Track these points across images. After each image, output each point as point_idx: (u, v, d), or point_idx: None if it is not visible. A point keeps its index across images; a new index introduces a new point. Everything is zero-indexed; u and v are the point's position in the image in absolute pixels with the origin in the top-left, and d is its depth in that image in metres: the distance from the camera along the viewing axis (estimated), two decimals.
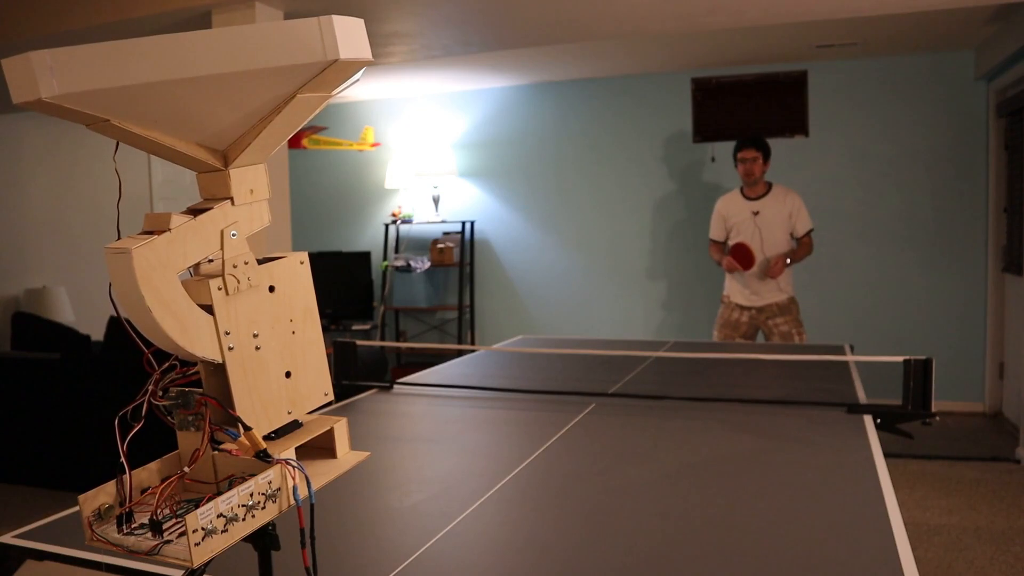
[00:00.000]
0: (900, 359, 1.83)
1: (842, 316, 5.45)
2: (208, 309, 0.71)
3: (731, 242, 4.26)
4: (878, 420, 1.82)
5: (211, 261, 0.73)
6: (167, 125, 0.67)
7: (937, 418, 1.80)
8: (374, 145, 6.28)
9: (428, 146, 6.32)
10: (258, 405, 0.76)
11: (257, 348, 0.76)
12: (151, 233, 0.67)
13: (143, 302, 0.65)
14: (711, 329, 5.77)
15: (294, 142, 5.80)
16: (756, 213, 4.18)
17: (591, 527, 1.18)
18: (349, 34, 0.68)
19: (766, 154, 4.18)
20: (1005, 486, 3.75)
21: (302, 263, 0.81)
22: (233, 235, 0.73)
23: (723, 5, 3.39)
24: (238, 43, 0.65)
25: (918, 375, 1.79)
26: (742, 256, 4.14)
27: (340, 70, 0.69)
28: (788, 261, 4.11)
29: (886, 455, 1.53)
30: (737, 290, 4.28)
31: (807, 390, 2.19)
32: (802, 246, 4.16)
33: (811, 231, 4.17)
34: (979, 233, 5.19)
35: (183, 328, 0.68)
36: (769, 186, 4.21)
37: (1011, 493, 3.64)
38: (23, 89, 0.58)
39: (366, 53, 0.70)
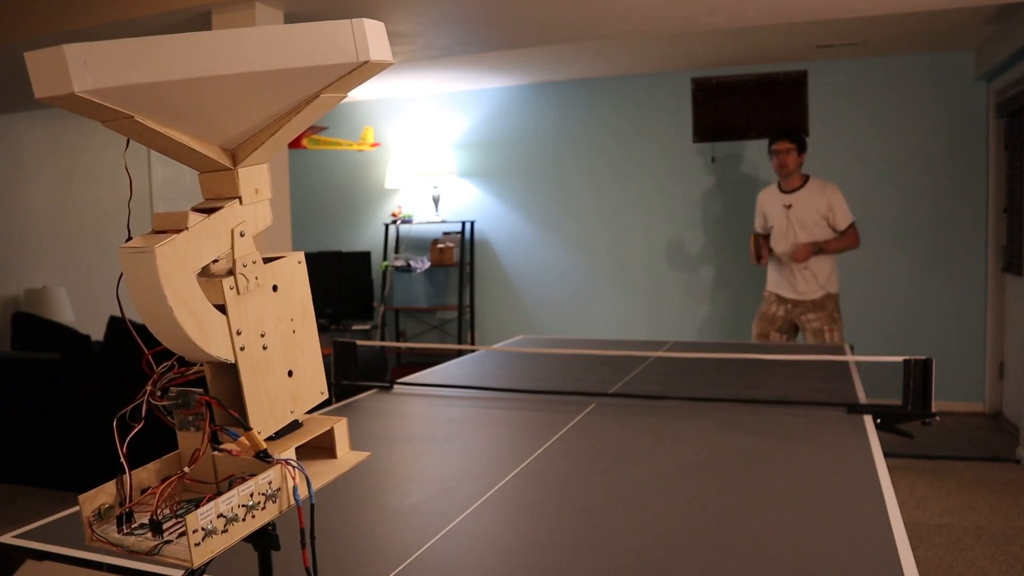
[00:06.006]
0: (900, 359, 1.83)
1: (843, 316, 5.44)
2: (220, 309, 0.71)
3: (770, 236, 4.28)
4: (878, 420, 1.82)
5: (216, 261, 0.73)
6: (190, 123, 0.67)
7: (937, 418, 1.80)
8: (374, 145, 6.29)
9: (428, 146, 6.32)
10: (266, 405, 0.76)
11: (264, 348, 0.76)
12: (165, 232, 0.67)
13: (165, 302, 0.65)
14: (711, 328, 5.80)
15: (294, 142, 5.80)
16: (788, 207, 4.16)
17: (591, 527, 1.18)
18: (376, 37, 0.71)
19: (800, 146, 4.15)
20: (1005, 486, 3.75)
21: (300, 262, 0.81)
22: (242, 234, 0.73)
23: (723, 5, 3.39)
24: (276, 41, 0.65)
25: (918, 375, 1.79)
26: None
27: (366, 71, 0.71)
28: (819, 250, 4.09)
29: (886, 455, 1.53)
30: (776, 281, 4.27)
31: (807, 390, 2.19)
32: (842, 237, 4.11)
33: (853, 223, 4.10)
34: (979, 233, 5.19)
35: (200, 328, 0.68)
36: (806, 179, 4.18)
37: (1011, 493, 3.64)
38: (52, 83, 0.57)
39: (389, 55, 0.72)
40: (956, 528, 3.23)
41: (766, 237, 4.37)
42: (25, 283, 5.36)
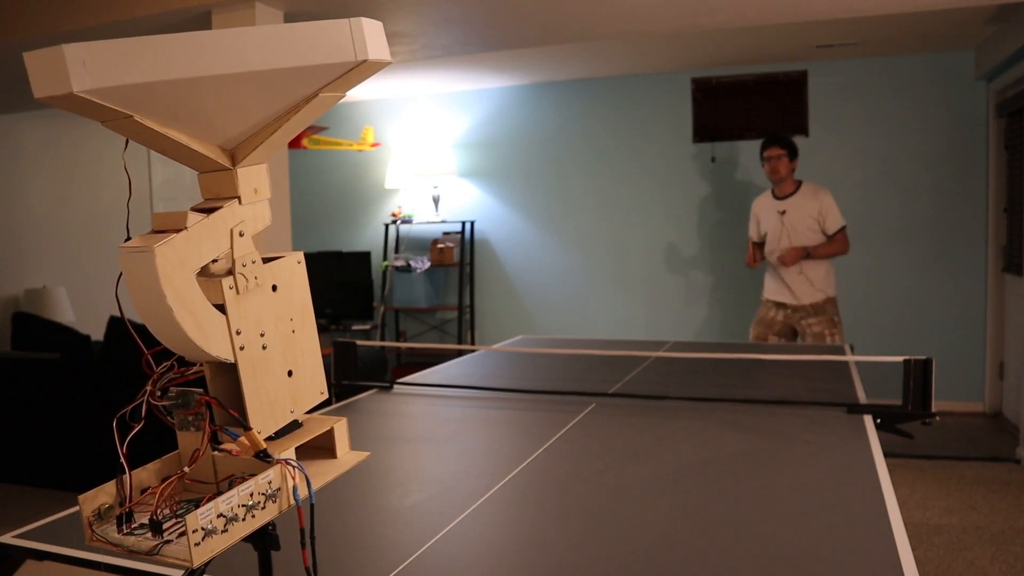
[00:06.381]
0: (900, 359, 1.83)
1: (842, 316, 5.44)
2: (219, 309, 0.71)
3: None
4: (878, 420, 1.82)
5: (215, 261, 0.73)
6: (189, 123, 0.67)
7: (937, 418, 1.80)
8: (374, 145, 6.29)
9: (428, 146, 6.32)
10: (265, 405, 0.76)
11: (264, 347, 0.76)
12: (165, 232, 0.67)
13: (164, 301, 0.65)
14: (711, 329, 5.80)
15: (294, 142, 5.80)
16: (783, 213, 4.16)
17: (591, 527, 1.18)
18: (374, 36, 0.71)
19: (792, 152, 4.14)
20: (1005, 486, 3.75)
21: (299, 262, 0.82)
22: (241, 234, 0.73)
23: (723, 5, 3.39)
24: (275, 41, 0.65)
25: (918, 375, 1.79)
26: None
27: (364, 70, 0.71)
28: (807, 255, 4.10)
29: (886, 455, 1.53)
30: (774, 288, 4.27)
31: (807, 390, 2.19)
32: (830, 243, 4.11)
33: (844, 228, 4.10)
34: (979, 233, 5.19)
35: (200, 328, 0.68)
36: (798, 185, 4.17)
37: (1011, 493, 3.64)
38: (52, 82, 0.57)
39: (387, 55, 0.73)
40: (956, 528, 3.23)
41: (760, 244, 4.37)
42: (25, 283, 5.36)
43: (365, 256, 6.43)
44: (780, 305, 4.24)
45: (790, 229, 4.14)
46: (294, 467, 0.75)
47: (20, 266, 5.36)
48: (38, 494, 3.96)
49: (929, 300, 5.31)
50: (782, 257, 4.11)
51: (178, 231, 0.67)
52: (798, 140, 5.45)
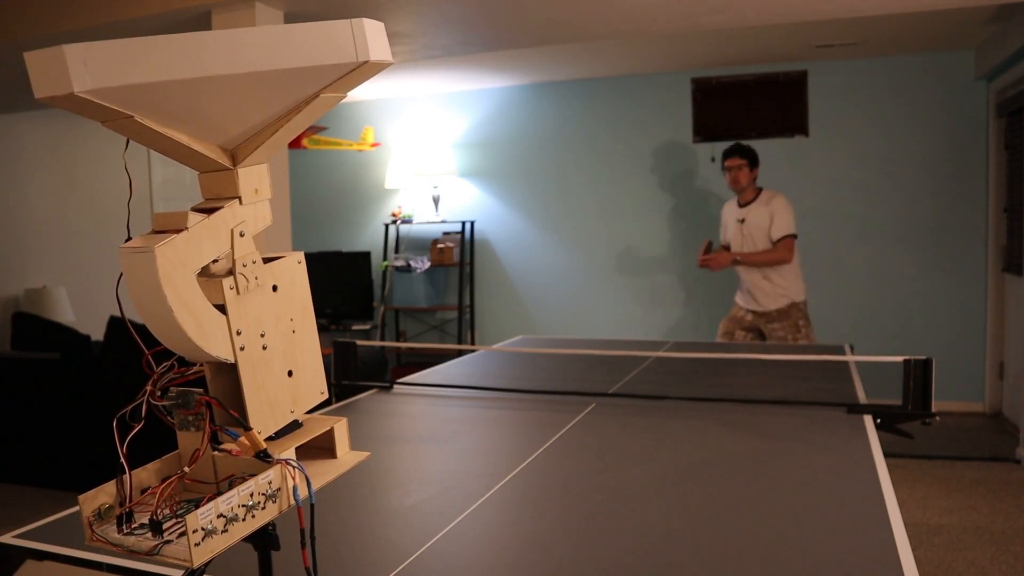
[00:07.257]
0: (900, 359, 1.83)
1: (842, 316, 5.44)
2: (219, 309, 0.71)
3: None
4: (878, 420, 1.82)
5: (216, 261, 0.73)
6: (190, 123, 0.67)
7: (937, 418, 1.80)
8: (374, 145, 6.29)
9: (428, 146, 6.32)
10: (265, 405, 0.76)
11: (264, 348, 0.76)
12: (165, 232, 0.67)
13: (165, 302, 0.65)
14: (711, 329, 5.79)
15: (294, 142, 5.80)
16: (742, 221, 4.18)
17: (591, 527, 1.18)
18: (376, 37, 0.71)
19: (752, 161, 4.13)
20: (1005, 486, 3.75)
21: (300, 262, 0.82)
22: (242, 234, 0.73)
23: (724, 5, 3.39)
24: (276, 41, 0.65)
25: (918, 375, 1.79)
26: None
27: (366, 71, 0.71)
28: (736, 261, 4.12)
29: (886, 455, 1.53)
30: (741, 294, 4.30)
31: (807, 390, 2.19)
32: (768, 250, 4.05)
33: (788, 236, 4.01)
34: (979, 233, 5.19)
35: (200, 328, 0.68)
36: (758, 192, 4.17)
37: (1011, 493, 3.64)
38: (52, 83, 0.57)
39: (389, 55, 0.73)
40: (956, 528, 3.23)
41: (726, 247, 4.37)
42: (25, 283, 5.36)
43: (365, 256, 6.43)
44: (748, 310, 4.26)
45: (748, 237, 4.15)
46: (294, 467, 0.75)
47: (20, 266, 5.36)
48: (38, 494, 3.96)
49: (929, 300, 5.31)
50: (710, 261, 4.12)
51: (179, 231, 0.67)
52: (799, 140, 5.47)
